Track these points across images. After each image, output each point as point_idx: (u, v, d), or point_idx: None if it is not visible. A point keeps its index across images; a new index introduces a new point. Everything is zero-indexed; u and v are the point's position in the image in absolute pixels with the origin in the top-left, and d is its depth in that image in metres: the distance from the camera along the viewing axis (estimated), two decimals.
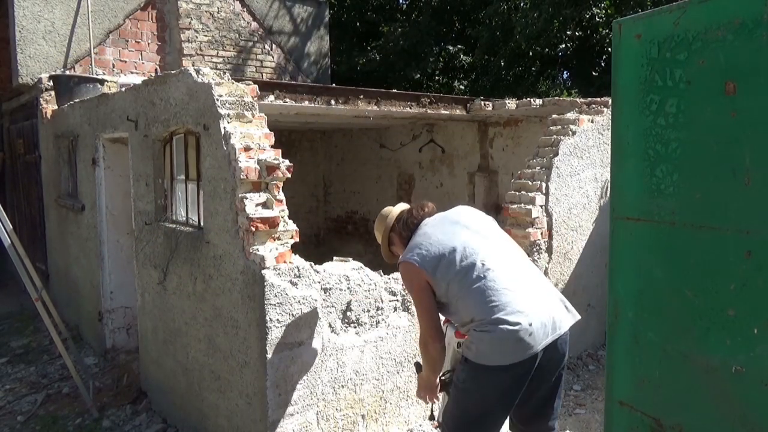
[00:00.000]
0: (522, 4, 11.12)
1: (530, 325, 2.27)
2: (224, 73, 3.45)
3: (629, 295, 1.38)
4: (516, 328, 2.26)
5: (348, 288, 3.30)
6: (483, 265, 2.41)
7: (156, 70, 7.66)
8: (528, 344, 2.27)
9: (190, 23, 7.84)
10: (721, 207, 1.18)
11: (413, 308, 3.62)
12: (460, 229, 2.55)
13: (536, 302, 2.35)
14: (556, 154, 4.33)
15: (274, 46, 8.77)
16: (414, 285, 2.51)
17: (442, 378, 2.61)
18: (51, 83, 6.41)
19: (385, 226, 2.77)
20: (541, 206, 4.27)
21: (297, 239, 3.15)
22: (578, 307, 4.68)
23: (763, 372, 1.12)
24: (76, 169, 5.77)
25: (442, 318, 2.60)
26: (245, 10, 8.40)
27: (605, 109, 4.69)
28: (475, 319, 2.36)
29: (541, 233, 4.29)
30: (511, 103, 5.62)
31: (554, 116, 4.71)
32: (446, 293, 2.45)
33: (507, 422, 2.57)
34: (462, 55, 12.90)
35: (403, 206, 2.83)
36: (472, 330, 2.37)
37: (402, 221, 2.71)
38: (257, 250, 2.98)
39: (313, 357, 3.15)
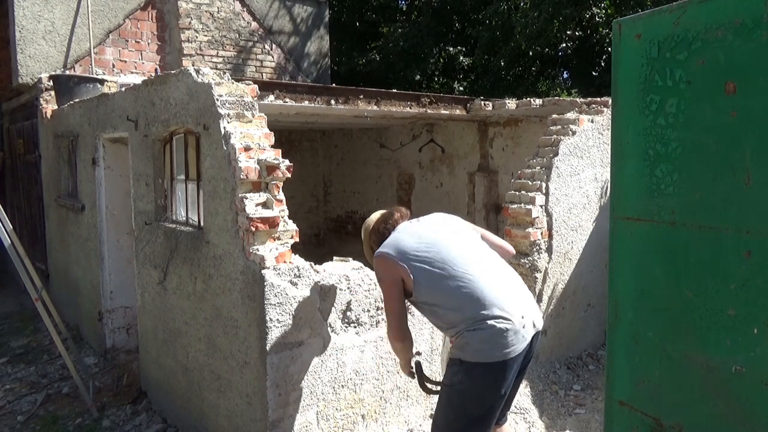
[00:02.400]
0: (522, 4, 11.12)
1: (522, 317, 2.39)
2: (224, 73, 3.45)
3: (629, 295, 1.38)
4: (508, 324, 2.35)
5: (348, 288, 3.30)
6: (465, 264, 2.48)
7: (156, 70, 7.65)
8: (523, 336, 2.38)
9: (190, 23, 7.84)
10: (721, 207, 1.18)
11: (413, 308, 3.63)
12: (438, 230, 2.64)
13: (519, 298, 2.48)
14: (556, 154, 4.33)
15: (274, 46, 8.77)
16: (386, 279, 2.56)
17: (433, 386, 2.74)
18: (51, 83, 6.41)
19: (366, 235, 2.90)
20: (541, 206, 4.27)
21: (297, 239, 3.15)
22: (578, 306, 4.71)
23: (763, 372, 1.12)
24: (76, 168, 5.77)
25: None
26: (245, 10, 8.40)
27: (605, 109, 4.69)
28: (466, 318, 2.40)
29: (541, 233, 4.29)
30: (511, 103, 5.62)
31: (554, 116, 4.71)
32: (427, 293, 2.49)
33: None
34: (462, 57, 12.89)
35: (379, 214, 2.92)
36: (465, 331, 2.40)
37: (379, 225, 2.82)
38: (257, 250, 2.98)
39: (313, 357, 3.15)
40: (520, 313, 2.40)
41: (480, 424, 2.47)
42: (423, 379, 2.74)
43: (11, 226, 4.54)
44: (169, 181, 4.05)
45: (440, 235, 2.60)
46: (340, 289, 3.26)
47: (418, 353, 2.72)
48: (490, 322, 2.35)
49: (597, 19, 10.45)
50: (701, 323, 1.23)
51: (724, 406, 1.20)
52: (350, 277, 3.31)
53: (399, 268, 2.50)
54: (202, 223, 3.55)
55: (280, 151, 3.20)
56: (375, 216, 2.92)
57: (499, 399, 2.46)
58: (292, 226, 3.13)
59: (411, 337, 2.66)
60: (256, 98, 3.42)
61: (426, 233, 2.62)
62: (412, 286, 2.50)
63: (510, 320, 2.36)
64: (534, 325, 2.46)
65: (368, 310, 3.40)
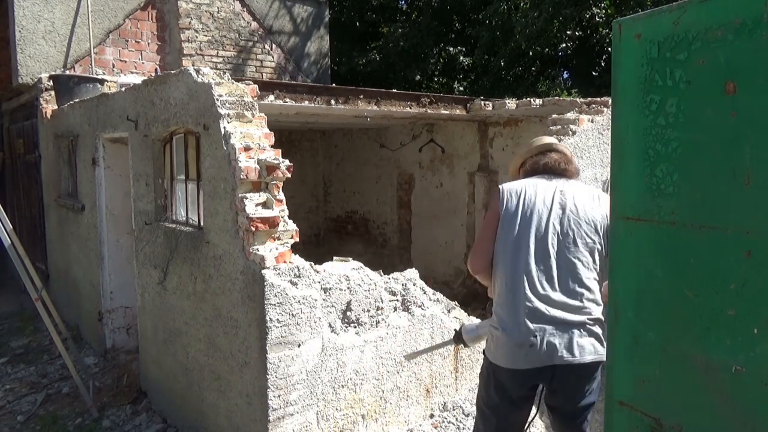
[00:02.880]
0: (522, 4, 11.12)
1: (535, 336, 2.23)
2: (224, 73, 3.45)
3: (629, 295, 1.38)
4: (512, 336, 2.27)
5: (348, 288, 3.30)
6: (532, 254, 2.31)
7: (156, 70, 7.65)
8: (526, 356, 2.25)
9: (190, 23, 7.84)
10: (721, 207, 1.18)
11: (413, 308, 3.64)
12: (551, 205, 2.37)
13: (547, 316, 2.25)
14: None
15: (274, 46, 8.77)
16: (489, 209, 2.49)
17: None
18: (51, 83, 6.41)
19: (526, 152, 2.68)
20: None
21: (297, 239, 3.15)
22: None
23: (763, 372, 1.12)
24: (76, 168, 5.77)
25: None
26: (245, 9, 8.39)
27: (605, 109, 4.69)
28: (497, 305, 2.39)
29: None
30: (511, 103, 5.62)
31: (554, 116, 4.71)
32: (496, 248, 2.40)
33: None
34: (462, 57, 12.89)
35: (544, 144, 2.65)
36: (491, 323, 2.45)
37: (531, 161, 2.60)
38: (257, 250, 2.98)
39: (313, 357, 3.15)
40: (532, 331, 2.23)
41: (488, 418, 2.46)
42: (458, 338, 2.78)
43: (11, 226, 4.53)
44: (169, 181, 4.05)
45: (547, 216, 2.35)
46: (340, 289, 3.25)
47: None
48: (502, 325, 2.31)
49: (597, 19, 10.45)
50: (701, 323, 1.23)
51: (724, 406, 1.20)
52: (350, 277, 3.31)
53: (498, 204, 2.42)
54: (202, 223, 3.55)
55: (280, 151, 3.20)
56: (540, 144, 2.65)
57: (504, 404, 2.39)
58: (292, 226, 3.13)
59: (483, 271, 2.45)
60: (256, 98, 3.42)
61: (542, 199, 2.38)
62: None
63: (514, 333, 2.26)
64: (557, 351, 2.22)
65: (368, 310, 3.40)
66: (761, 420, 1.13)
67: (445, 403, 3.88)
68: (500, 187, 2.49)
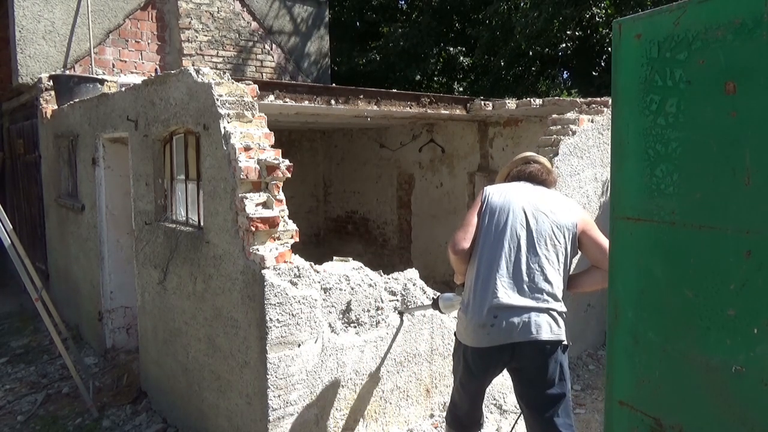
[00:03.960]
0: (522, 4, 11.12)
1: (495, 317, 2.48)
2: (224, 73, 3.44)
3: (629, 295, 1.38)
4: (474, 317, 2.53)
5: (348, 288, 3.30)
6: (507, 244, 2.56)
7: (156, 70, 7.65)
8: (488, 335, 2.50)
9: (190, 23, 7.84)
10: (721, 207, 1.18)
11: (413, 309, 3.64)
12: (529, 207, 2.63)
13: (504, 297, 2.50)
14: (556, 154, 4.33)
15: (274, 46, 8.77)
16: (473, 203, 2.77)
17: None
18: (51, 83, 6.41)
19: (510, 164, 2.99)
20: None
21: (297, 239, 3.15)
22: (578, 306, 4.70)
23: (763, 372, 1.12)
24: (76, 168, 5.77)
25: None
26: (245, 9, 8.40)
27: (605, 109, 4.69)
28: (468, 288, 2.64)
29: None
30: (511, 103, 5.62)
31: (554, 116, 4.71)
32: (476, 237, 2.66)
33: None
34: (462, 57, 12.89)
35: (527, 155, 2.98)
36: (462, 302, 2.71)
37: (515, 170, 2.92)
38: (257, 250, 2.98)
39: (313, 357, 3.15)
40: (493, 314, 2.48)
41: (459, 389, 2.75)
42: (435, 305, 3.16)
43: (11, 226, 4.53)
44: (169, 181, 4.05)
45: (520, 216, 2.62)
46: (340, 289, 3.25)
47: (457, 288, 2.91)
48: (469, 309, 2.58)
49: (597, 19, 10.44)
50: (701, 323, 1.23)
51: (724, 406, 1.20)
52: (350, 277, 3.31)
53: (481, 197, 2.72)
54: (202, 223, 3.55)
55: (280, 151, 3.20)
56: (523, 156, 2.99)
57: (469, 378, 2.66)
58: (292, 226, 3.13)
59: (463, 254, 2.66)
60: (256, 98, 3.42)
61: (518, 199, 2.66)
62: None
63: (478, 316, 2.51)
64: (516, 329, 2.46)
65: (368, 310, 3.40)
66: (761, 420, 1.13)
67: (445, 403, 3.88)
68: (486, 187, 2.83)
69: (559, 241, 2.60)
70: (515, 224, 2.58)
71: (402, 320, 3.59)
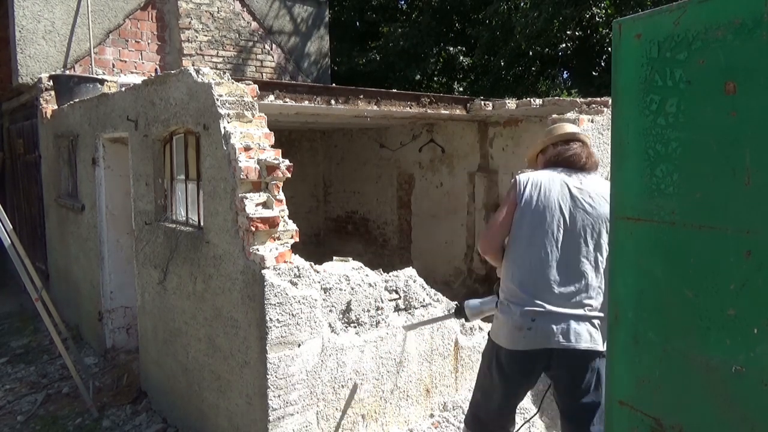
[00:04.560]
0: (522, 4, 11.11)
1: (533, 320, 2.36)
2: (224, 73, 3.44)
3: (629, 295, 1.38)
4: (517, 317, 2.40)
5: (348, 288, 3.30)
6: (546, 244, 2.41)
7: (156, 70, 7.65)
8: (524, 338, 2.39)
9: (190, 23, 7.84)
10: (721, 207, 1.18)
11: (413, 308, 3.64)
12: (568, 202, 2.45)
13: (544, 300, 2.39)
14: None
15: (274, 46, 8.77)
16: (505, 198, 2.58)
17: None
18: (51, 83, 6.41)
19: (548, 140, 2.70)
20: None
21: (297, 239, 3.15)
22: None
23: (763, 372, 1.12)
24: (76, 168, 5.77)
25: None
26: (245, 9, 8.39)
27: (605, 109, 4.69)
28: (507, 289, 2.50)
29: None
30: (511, 103, 5.62)
31: (554, 116, 4.71)
32: (510, 235, 2.52)
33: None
34: (462, 57, 12.89)
35: (567, 132, 2.67)
36: (499, 305, 2.58)
37: (552, 151, 2.64)
38: (257, 250, 2.98)
39: (313, 357, 3.15)
40: (530, 317, 2.37)
41: (489, 394, 2.59)
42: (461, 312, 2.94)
43: (11, 226, 4.53)
44: (169, 181, 4.05)
45: (560, 213, 2.43)
46: (340, 289, 3.25)
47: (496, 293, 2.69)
48: (505, 310, 2.45)
49: (597, 19, 10.44)
50: (701, 323, 1.23)
51: (724, 406, 1.20)
52: (350, 277, 3.31)
53: (515, 193, 2.51)
54: (202, 223, 3.55)
55: (280, 151, 3.20)
56: (561, 132, 2.67)
57: (502, 381, 2.51)
58: (292, 226, 3.13)
59: (494, 253, 2.57)
60: (256, 98, 3.42)
61: (557, 195, 2.46)
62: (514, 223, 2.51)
63: (514, 317, 2.40)
64: (554, 335, 2.34)
65: (368, 310, 3.40)
66: (761, 420, 1.13)
67: (445, 403, 3.88)
68: (518, 177, 2.55)
69: (602, 238, 2.42)
70: (553, 223, 2.41)
71: (406, 336, 3.52)
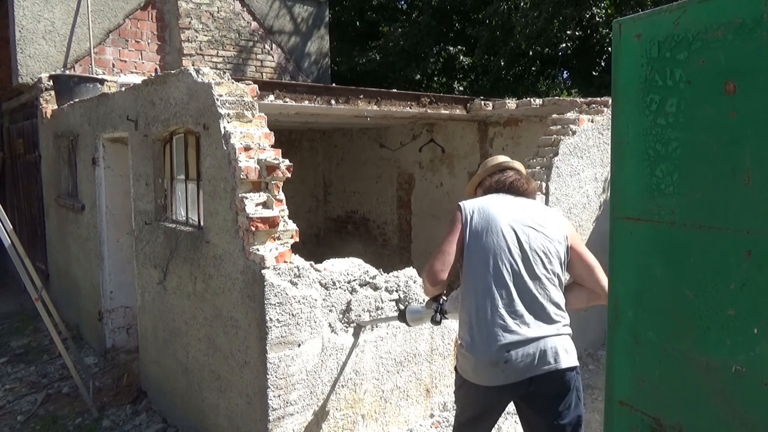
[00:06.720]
0: (522, 4, 11.11)
1: (508, 352, 2.25)
2: (224, 72, 3.44)
3: (629, 295, 1.38)
4: (481, 357, 2.28)
5: (348, 288, 3.29)
6: (505, 269, 2.33)
7: (156, 69, 7.65)
8: (502, 372, 2.26)
9: (190, 23, 7.84)
10: (721, 207, 1.18)
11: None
12: (518, 224, 2.41)
13: (513, 331, 2.29)
14: (556, 154, 4.33)
15: (274, 45, 8.77)
16: (450, 226, 2.49)
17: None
18: (51, 83, 6.41)
19: (481, 173, 2.73)
20: None
21: (297, 239, 3.15)
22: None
23: (763, 372, 1.12)
24: (76, 168, 5.77)
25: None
26: (245, 9, 8.39)
27: (605, 109, 4.69)
28: (466, 324, 2.39)
29: None
30: (511, 103, 5.62)
31: (554, 116, 4.71)
32: (462, 265, 2.43)
33: None
34: (462, 57, 12.89)
35: (501, 162, 2.70)
36: (461, 339, 2.43)
37: (491, 182, 2.65)
38: (257, 249, 2.98)
39: (313, 357, 3.15)
40: (505, 348, 2.25)
41: (468, 428, 2.47)
42: (402, 316, 2.85)
43: (11, 226, 4.53)
44: (169, 180, 4.05)
45: (510, 232, 2.38)
46: (340, 289, 3.25)
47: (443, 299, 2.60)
48: (472, 348, 2.32)
49: (597, 19, 10.44)
50: (701, 323, 1.23)
51: (724, 406, 1.20)
52: (351, 274, 3.31)
53: (460, 221, 2.45)
54: (202, 223, 3.55)
55: (280, 151, 3.20)
56: (496, 162, 2.70)
57: (484, 416, 2.43)
58: (292, 226, 3.13)
59: (441, 286, 2.47)
60: (256, 98, 3.42)
61: (504, 215, 2.41)
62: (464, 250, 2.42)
63: (487, 353, 2.27)
64: (534, 362, 2.26)
65: (368, 310, 3.40)
66: (761, 420, 1.13)
67: (445, 403, 3.88)
68: (462, 204, 2.49)
69: (554, 257, 2.39)
70: (506, 246, 2.35)
71: (358, 335, 3.35)
